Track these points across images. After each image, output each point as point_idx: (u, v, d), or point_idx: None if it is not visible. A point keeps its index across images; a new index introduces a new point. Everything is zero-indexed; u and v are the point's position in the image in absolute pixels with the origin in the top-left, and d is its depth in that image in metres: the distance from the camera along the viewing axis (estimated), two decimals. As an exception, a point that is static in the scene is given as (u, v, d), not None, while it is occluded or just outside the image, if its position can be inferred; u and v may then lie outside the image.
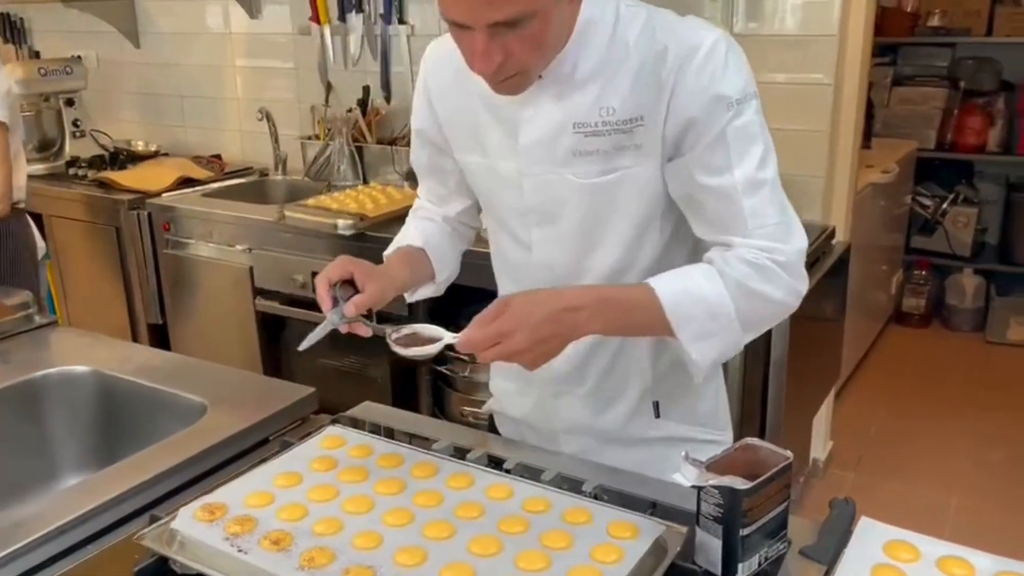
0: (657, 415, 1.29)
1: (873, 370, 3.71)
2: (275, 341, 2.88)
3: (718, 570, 0.97)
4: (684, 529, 0.96)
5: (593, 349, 1.24)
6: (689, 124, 1.06)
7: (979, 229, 4.26)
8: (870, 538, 0.96)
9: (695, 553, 0.99)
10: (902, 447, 3.20)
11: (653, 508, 1.04)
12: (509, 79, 1.04)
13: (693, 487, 0.97)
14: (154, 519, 1.03)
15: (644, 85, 1.07)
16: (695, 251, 1.20)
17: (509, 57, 1.00)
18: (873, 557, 0.93)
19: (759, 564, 0.98)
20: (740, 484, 0.93)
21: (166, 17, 3.65)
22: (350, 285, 1.19)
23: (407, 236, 1.36)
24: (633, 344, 1.24)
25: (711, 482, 0.94)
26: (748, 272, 1.06)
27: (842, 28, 2.43)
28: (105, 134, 3.66)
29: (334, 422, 1.30)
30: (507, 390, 1.43)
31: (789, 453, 0.99)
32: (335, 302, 1.17)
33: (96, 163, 3.45)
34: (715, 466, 0.98)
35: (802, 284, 1.10)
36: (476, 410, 2.49)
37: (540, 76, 1.09)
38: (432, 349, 1.09)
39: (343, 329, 1.18)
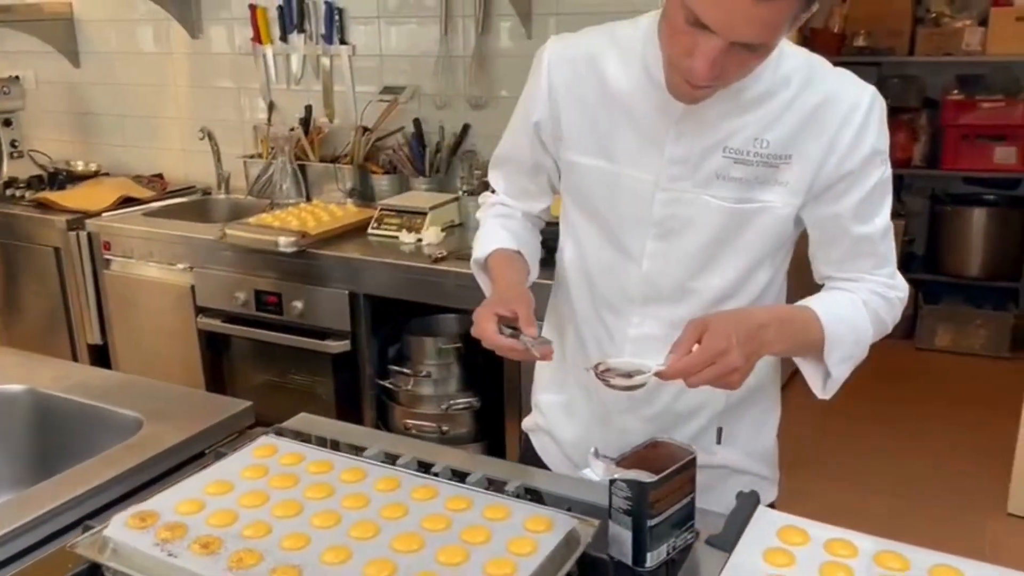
0: (719, 441, 1.30)
1: (808, 377, 3.82)
2: (217, 358, 2.89)
3: (629, 559, 1.03)
4: (596, 522, 1.02)
5: None
6: (844, 176, 1.12)
7: (907, 240, 4.44)
8: (765, 524, 1.03)
9: (608, 545, 1.05)
10: (836, 450, 3.32)
11: (570, 505, 1.10)
12: (705, 88, 1.05)
13: (608, 481, 1.03)
14: (87, 529, 1.06)
15: (801, 127, 1.11)
16: (783, 288, 1.28)
17: (723, 72, 1.02)
18: (766, 541, 1.00)
19: (667, 553, 1.05)
20: (646, 477, 1.00)
21: (106, 37, 3.65)
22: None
23: (496, 237, 1.33)
24: None
25: (619, 476, 1.00)
26: (883, 304, 1.19)
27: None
28: (44, 154, 3.63)
29: (269, 433, 1.33)
30: (555, 403, 1.40)
31: (694, 448, 1.06)
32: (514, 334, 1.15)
33: (34, 184, 3.42)
34: (625, 462, 1.04)
35: (900, 314, 1.25)
36: (420, 423, 2.54)
37: None
38: (646, 379, 1.06)
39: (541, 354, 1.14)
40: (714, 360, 1.01)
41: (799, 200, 1.14)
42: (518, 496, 1.13)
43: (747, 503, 1.12)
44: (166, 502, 1.08)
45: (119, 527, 1.02)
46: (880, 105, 1.13)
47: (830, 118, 1.10)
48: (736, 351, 1.01)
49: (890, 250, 1.20)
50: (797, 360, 1.22)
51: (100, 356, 3.14)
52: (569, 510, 1.07)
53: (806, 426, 3.43)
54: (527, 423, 1.48)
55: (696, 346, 1.03)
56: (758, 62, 1.04)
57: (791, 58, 1.12)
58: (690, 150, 1.13)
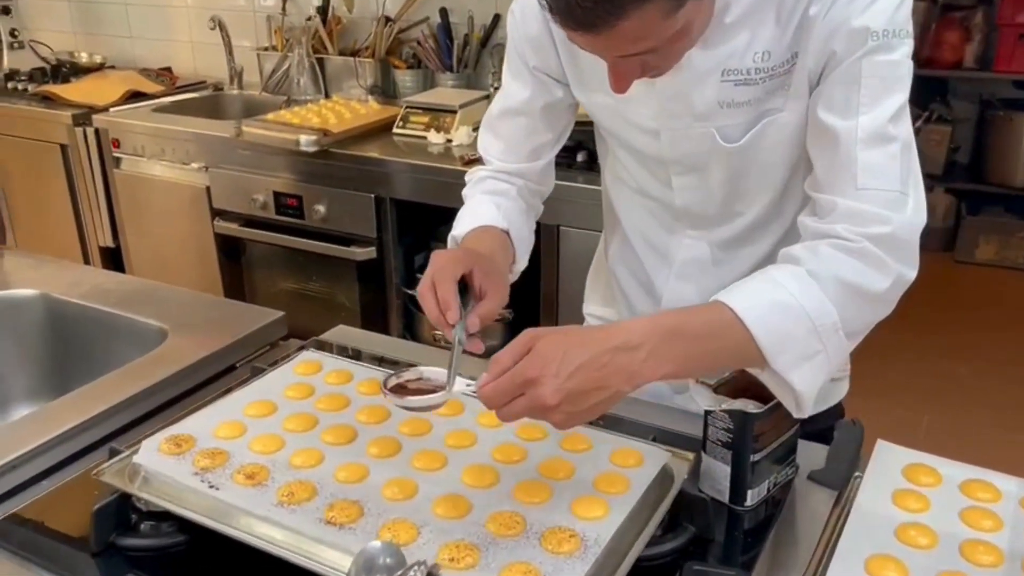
0: None
1: (843, 290, 3.69)
2: (236, 264, 2.76)
3: (726, 497, 0.92)
4: (691, 456, 0.90)
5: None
6: (830, 58, 0.89)
7: (952, 148, 4.22)
8: (888, 462, 0.91)
9: (701, 480, 0.94)
10: (872, 366, 3.22)
11: (655, 435, 0.98)
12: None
13: (705, 411, 0.91)
14: (114, 452, 0.95)
15: (799, 20, 0.89)
16: None
17: (646, 70, 0.85)
18: (893, 482, 0.88)
19: (768, 490, 0.93)
20: (752, 408, 0.87)
21: (106, -83, 3.39)
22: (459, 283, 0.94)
23: (484, 215, 1.10)
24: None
25: (723, 406, 0.88)
26: (845, 262, 0.85)
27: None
28: (45, 45, 3.42)
29: (308, 347, 1.21)
30: (605, 319, 1.28)
31: (801, 374, 0.93)
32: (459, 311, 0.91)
33: (37, 76, 3.23)
34: (723, 388, 0.92)
35: (910, 269, 0.88)
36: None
37: None
38: (434, 400, 0.85)
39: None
40: (521, 391, 0.78)
41: (803, 101, 0.93)
42: (592, 423, 1.01)
43: (850, 435, 1.00)
44: (203, 425, 0.96)
45: (151, 452, 0.91)
46: None
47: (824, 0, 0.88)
48: (549, 384, 0.76)
49: (883, 169, 0.87)
50: (757, 375, 0.90)
51: (113, 260, 3.02)
52: (654, 440, 0.95)
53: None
54: None
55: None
56: (683, 44, 0.85)
57: None
58: (683, 81, 0.94)
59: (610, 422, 1.04)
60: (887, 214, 0.86)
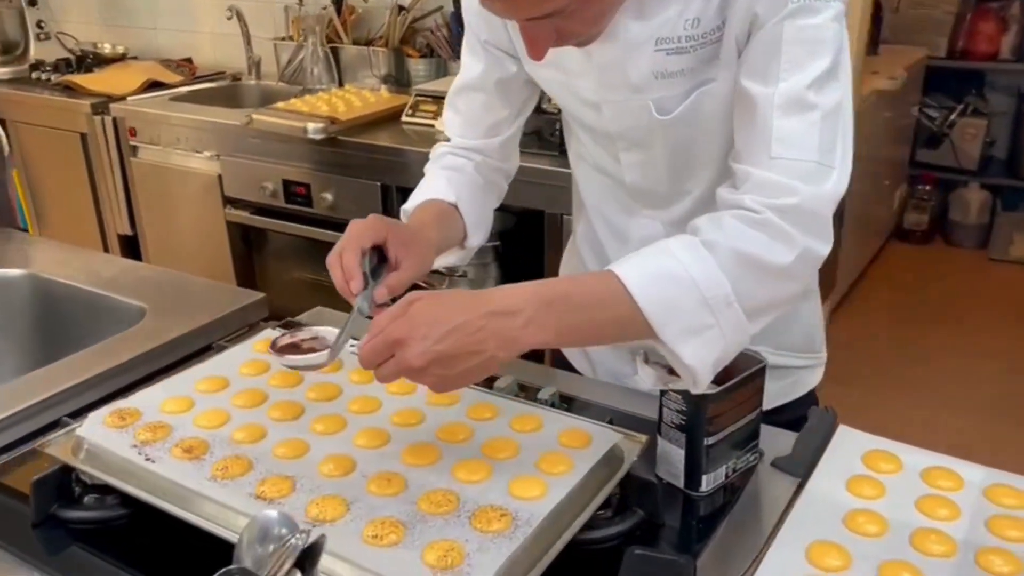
0: None
1: (872, 286, 3.60)
2: (248, 252, 2.77)
3: (680, 482, 0.88)
4: (643, 438, 0.87)
5: None
6: (753, 21, 0.85)
7: (987, 142, 4.09)
8: (848, 447, 0.87)
9: (657, 464, 0.90)
10: (898, 363, 3.13)
11: (612, 416, 0.95)
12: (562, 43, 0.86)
13: (659, 392, 0.88)
14: (64, 425, 0.94)
15: None
16: None
17: (564, 37, 0.83)
18: (850, 468, 0.83)
19: (726, 476, 0.89)
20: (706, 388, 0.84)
21: (132, -90, 3.43)
22: (375, 253, 0.93)
23: (433, 188, 1.10)
24: None
25: (671, 386, 0.84)
26: (745, 233, 0.81)
27: (849, -87, 2.24)
28: (71, 36, 3.47)
29: (276, 326, 1.20)
30: None
31: (763, 357, 0.89)
32: (365, 281, 0.89)
33: (61, 67, 3.28)
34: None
35: (821, 244, 0.83)
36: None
37: None
38: (315, 360, 0.86)
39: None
40: (391, 351, 0.76)
41: (732, 69, 0.89)
42: (552, 405, 0.98)
43: (821, 422, 0.96)
44: (151, 399, 0.95)
45: (95, 425, 0.90)
46: None
47: None
48: (416, 347, 0.75)
49: (800, 138, 0.83)
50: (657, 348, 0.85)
51: (131, 248, 3.05)
52: (611, 422, 0.92)
53: (871, 338, 3.23)
54: None
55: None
56: (595, 8, 0.82)
57: None
58: (618, 52, 0.91)
59: (576, 405, 1.01)
60: (796, 185, 0.81)
